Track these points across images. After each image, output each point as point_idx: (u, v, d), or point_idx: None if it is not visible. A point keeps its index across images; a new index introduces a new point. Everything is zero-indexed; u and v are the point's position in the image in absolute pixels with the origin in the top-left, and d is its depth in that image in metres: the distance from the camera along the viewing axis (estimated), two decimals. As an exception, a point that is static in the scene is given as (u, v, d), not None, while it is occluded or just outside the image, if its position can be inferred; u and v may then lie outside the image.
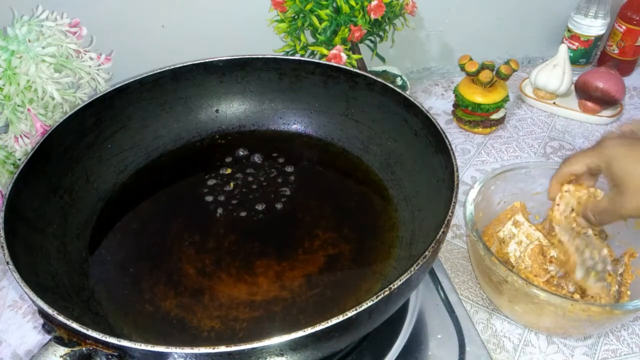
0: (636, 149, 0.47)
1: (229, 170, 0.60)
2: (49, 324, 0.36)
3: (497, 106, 0.81)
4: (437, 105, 0.92)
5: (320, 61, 0.65)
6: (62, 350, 0.36)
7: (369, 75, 0.59)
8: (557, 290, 0.53)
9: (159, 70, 0.60)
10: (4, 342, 0.56)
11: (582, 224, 0.53)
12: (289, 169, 0.61)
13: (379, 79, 0.58)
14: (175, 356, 0.34)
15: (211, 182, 0.59)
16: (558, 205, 0.54)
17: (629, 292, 0.54)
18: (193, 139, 0.64)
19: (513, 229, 0.58)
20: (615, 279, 0.55)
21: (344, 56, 0.71)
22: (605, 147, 0.49)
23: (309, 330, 0.34)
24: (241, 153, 0.63)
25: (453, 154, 0.48)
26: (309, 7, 0.71)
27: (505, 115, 0.86)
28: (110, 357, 0.35)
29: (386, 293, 0.36)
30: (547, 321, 0.53)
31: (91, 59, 0.65)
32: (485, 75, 0.78)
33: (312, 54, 0.76)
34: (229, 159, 0.62)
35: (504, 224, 0.59)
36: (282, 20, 0.74)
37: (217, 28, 0.80)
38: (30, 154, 0.49)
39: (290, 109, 0.65)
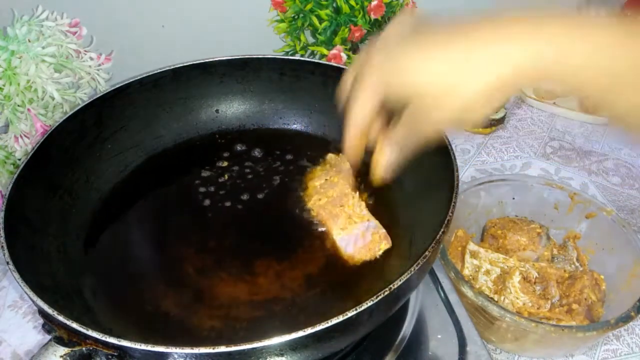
0: (406, 52, 0.35)
1: (227, 171, 0.60)
2: (49, 324, 0.36)
3: (497, 106, 0.81)
4: (437, 105, 0.92)
5: (320, 61, 0.65)
6: (62, 350, 0.36)
7: (369, 75, 0.59)
8: (562, 311, 0.53)
9: (159, 70, 0.60)
10: (4, 342, 0.56)
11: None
12: (289, 168, 0.60)
13: (379, 79, 0.58)
14: (175, 356, 0.34)
15: (211, 183, 0.59)
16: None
17: (602, 310, 0.55)
18: (193, 139, 0.64)
19: (474, 261, 0.58)
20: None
21: (344, 56, 0.71)
22: (375, 63, 0.36)
23: (309, 330, 0.34)
24: (241, 153, 0.63)
25: (453, 154, 0.48)
26: (309, 7, 0.71)
27: (505, 115, 0.86)
28: (110, 357, 0.35)
29: (386, 293, 0.36)
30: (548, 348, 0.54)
31: (91, 59, 0.65)
32: (485, 75, 0.78)
33: (312, 54, 0.76)
34: (228, 160, 0.62)
35: (462, 259, 0.59)
36: (282, 20, 0.74)
37: (217, 28, 0.80)
38: (30, 154, 0.49)
39: (290, 109, 0.65)
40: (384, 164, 0.42)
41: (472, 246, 0.58)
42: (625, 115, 0.33)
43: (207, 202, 0.56)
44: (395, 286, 0.37)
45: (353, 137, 0.41)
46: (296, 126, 0.65)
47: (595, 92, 0.32)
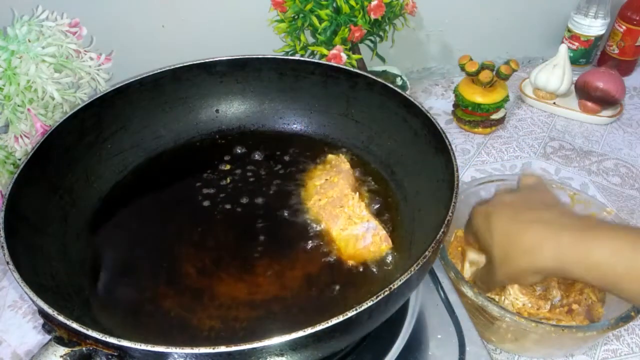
0: (488, 220, 0.48)
1: (228, 167, 0.60)
2: (49, 324, 0.36)
3: (497, 106, 0.81)
4: (437, 105, 0.93)
5: (320, 61, 0.65)
6: (62, 350, 0.36)
7: (369, 75, 0.59)
8: (562, 311, 0.53)
9: (159, 70, 0.60)
10: (4, 342, 0.56)
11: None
12: (289, 168, 0.61)
13: (379, 79, 0.58)
14: (175, 356, 0.34)
15: (210, 183, 0.59)
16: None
17: (602, 310, 0.54)
18: (193, 139, 0.64)
19: (473, 269, 0.58)
20: None
21: (344, 56, 0.71)
22: (471, 221, 0.51)
23: (309, 330, 0.34)
24: (241, 152, 0.63)
25: (453, 154, 0.48)
26: (309, 7, 0.71)
27: (505, 115, 0.86)
28: (110, 357, 0.35)
29: (386, 293, 0.36)
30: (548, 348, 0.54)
31: (91, 59, 0.65)
32: (485, 75, 0.78)
33: (312, 54, 0.76)
34: (228, 159, 0.62)
35: (462, 259, 0.59)
36: (282, 20, 0.74)
37: (217, 28, 0.80)
38: (30, 154, 0.49)
39: (290, 109, 0.65)
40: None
41: (471, 256, 0.58)
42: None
43: (206, 202, 0.56)
44: (395, 286, 0.37)
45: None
46: (296, 126, 0.65)
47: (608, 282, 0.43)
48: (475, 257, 0.58)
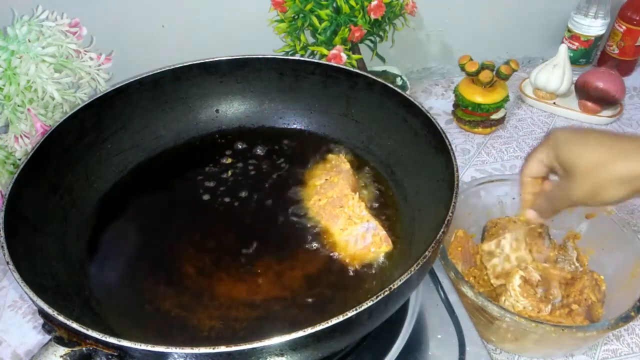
0: (580, 133, 0.47)
1: (230, 167, 0.60)
2: (49, 324, 0.36)
3: (497, 106, 0.81)
4: (437, 105, 0.93)
5: (320, 61, 0.65)
6: (62, 350, 0.36)
7: (369, 75, 0.59)
8: (562, 314, 0.53)
9: (159, 70, 0.60)
10: (4, 342, 0.56)
11: (532, 219, 0.52)
12: (289, 168, 0.61)
13: (379, 79, 0.58)
14: (175, 356, 0.34)
15: (210, 183, 0.59)
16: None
17: (602, 311, 0.54)
18: (193, 138, 0.64)
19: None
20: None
21: (344, 56, 0.71)
22: (551, 137, 0.48)
23: (309, 330, 0.34)
24: (241, 152, 0.63)
25: (453, 154, 0.48)
26: (309, 7, 0.71)
27: (505, 115, 0.86)
28: (110, 357, 0.35)
29: (386, 293, 0.36)
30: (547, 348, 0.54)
31: (91, 59, 0.65)
32: (485, 75, 0.78)
33: (312, 54, 0.76)
34: (228, 159, 0.62)
35: (462, 258, 0.59)
36: (282, 20, 0.74)
37: (217, 28, 0.80)
38: (30, 154, 0.49)
39: (290, 109, 0.65)
40: (528, 217, 0.52)
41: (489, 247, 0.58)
42: None
43: (205, 202, 0.56)
44: (395, 286, 0.37)
45: (523, 186, 0.52)
46: (296, 126, 0.65)
47: None
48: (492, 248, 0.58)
